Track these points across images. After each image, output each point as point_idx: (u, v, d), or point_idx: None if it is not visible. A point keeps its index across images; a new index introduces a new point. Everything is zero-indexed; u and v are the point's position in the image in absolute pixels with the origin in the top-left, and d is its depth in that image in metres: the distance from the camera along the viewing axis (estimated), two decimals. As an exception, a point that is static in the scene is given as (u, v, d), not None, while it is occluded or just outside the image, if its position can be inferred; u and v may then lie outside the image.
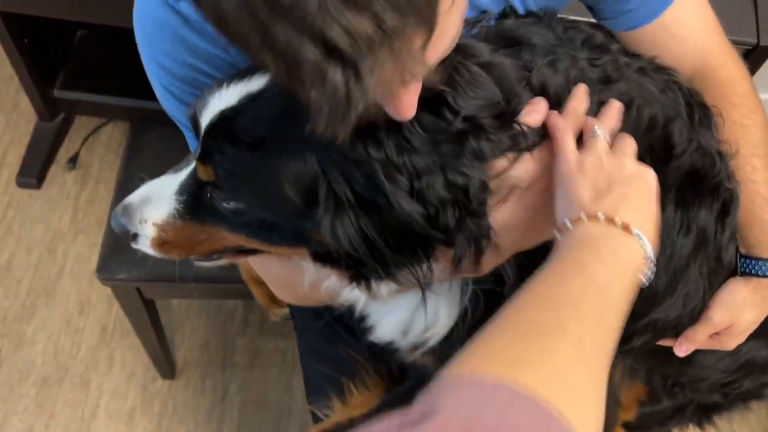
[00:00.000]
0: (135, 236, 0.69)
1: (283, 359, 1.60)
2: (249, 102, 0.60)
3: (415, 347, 0.79)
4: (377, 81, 0.45)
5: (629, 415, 1.29)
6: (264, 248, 0.69)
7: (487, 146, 0.59)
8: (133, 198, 0.69)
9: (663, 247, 0.72)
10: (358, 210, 0.58)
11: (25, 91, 1.74)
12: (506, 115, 0.61)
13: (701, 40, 0.82)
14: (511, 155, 0.61)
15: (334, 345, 0.94)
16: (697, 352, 0.97)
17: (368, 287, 0.66)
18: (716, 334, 0.87)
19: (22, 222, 1.72)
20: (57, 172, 1.82)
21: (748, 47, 1.15)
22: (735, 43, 0.87)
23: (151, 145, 1.21)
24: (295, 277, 0.77)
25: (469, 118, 0.59)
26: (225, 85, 0.61)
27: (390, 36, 0.44)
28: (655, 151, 0.68)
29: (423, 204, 0.57)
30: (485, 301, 0.73)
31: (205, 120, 0.63)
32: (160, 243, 0.69)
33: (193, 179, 0.66)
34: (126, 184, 1.16)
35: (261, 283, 1.03)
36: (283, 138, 0.59)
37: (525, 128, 0.61)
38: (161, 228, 0.68)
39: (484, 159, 0.59)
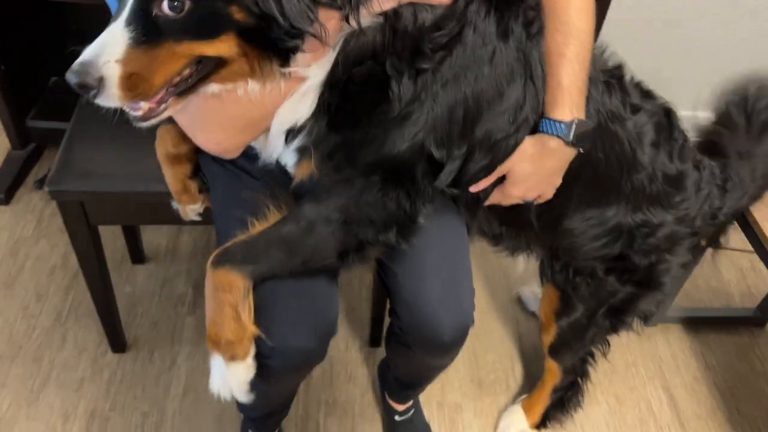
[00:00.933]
0: (98, 83, 0.74)
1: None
2: None
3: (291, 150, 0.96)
4: None
5: (551, 335, 1.40)
6: (205, 48, 0.78)
7: None
8: (87, 51, 0.75)
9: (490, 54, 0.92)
10: None
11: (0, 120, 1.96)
12: None
13: None
14: None
15: (239, 191, 1.08)
16: (565, 219, 1.12)
17: (288, 61, 0.82)
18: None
19: (-12, 231, 1.86)
20: (25, 192, 2.00)
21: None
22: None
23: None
24: (224, 112, 0.91)
25: None
26: None
27: None
28: None
29: None
30: (338, 101, 0.90)
31: None
32: (128, 76, 0.75)
33: (136, 6, 0.75)
34: (70, 145, 1.32)
35: (176, 163, 1.15)
36: None
37: None
38: (124, 62, 0.74)
39: None
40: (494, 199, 1.07)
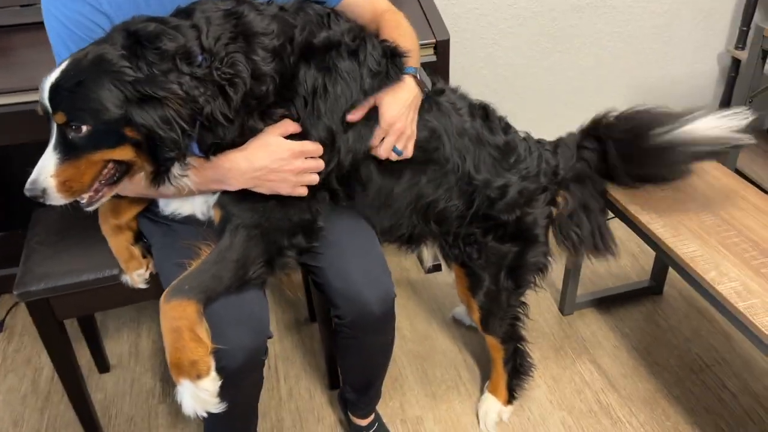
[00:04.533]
0: (44, 193, 1.06)
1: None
2: (62, 73, 1.06)
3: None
4: None
5: (475, 311, 1.64)
6: (110, 154, 1.09)
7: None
8: (33, 174, 1.08)
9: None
10: (145, 105, 1.06)
11: (-46, 277, 2.13)
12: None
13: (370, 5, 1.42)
14: None
15: (174, 240, 1.33)
16: (422, 194, 1.43)
17: (168, 178, 1.13)
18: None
19: (-43, 377, 1.97)
20: (-15, 338, 2.13)
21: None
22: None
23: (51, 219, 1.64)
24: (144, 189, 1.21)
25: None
26: (48, 75, 1.07)
27: None
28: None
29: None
30: None
31: (46, 89, 1.06)
32: (62, 183, 1.07)
33: (57, 136, 1.07)
34: (30, 255, 1.54)
35: (119, 233, 1.39)
36: (93, 78, 1.04)
37: None
38: (56, 174, 1.07)
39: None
40: (374, 142, 1.32)
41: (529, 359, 1.76)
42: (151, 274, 1.43)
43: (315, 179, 1.26)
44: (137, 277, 1.41)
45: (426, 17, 1.83)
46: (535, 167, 1.51)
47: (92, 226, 1.57)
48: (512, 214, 1.49)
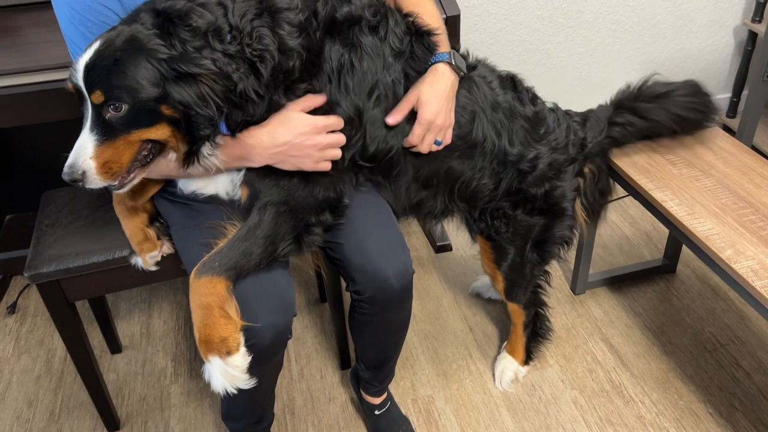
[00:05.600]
0: (83, 176, 1.05)
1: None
2: (96, 53, 1.05)
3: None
4: None
5: (500, 282, 1.64)
6: (148, 134, 1.07)
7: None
8: (69, 158, 1.06)
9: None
10: (181, 82, 1.05)
11: (-35, 259, 2.13)
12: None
13: None
14: None
15: (195, 220, 1.32)
16: (455, 170, 1.41)
17: (198, 157, 1.12)
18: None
19: (-29, 358, 1.99)
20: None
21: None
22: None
23: (62, 200, 1.63)
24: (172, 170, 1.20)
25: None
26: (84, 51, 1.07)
27: None
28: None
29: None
30: None
31: (80, 70, 1.05)
32: (102, 165, 1.06)
33: (93, 116, 1.06)
34: (40, 237, 1.54)
35: (134, 214, 1.38)
36: (128, 57, 1.04)
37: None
38: (95, 156, 1.06)
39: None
40: (414, 140, 1.31)
41: (547, 323, 1.79)
42: (162, 256, 1.42)
43: (338, 154, 1.24)
44: (150, 259, 1.41)
45: (436, -8, 1.80)
46: (564, 138, 1.50)
47: (102, 207, 1.58)
48: (542, 187, 1.48)
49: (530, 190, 1.47)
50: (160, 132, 1.09)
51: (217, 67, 1.06)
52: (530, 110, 1.47)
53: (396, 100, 1.30)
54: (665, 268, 2.14)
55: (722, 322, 1.96)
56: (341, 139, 1.24)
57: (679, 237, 1.54)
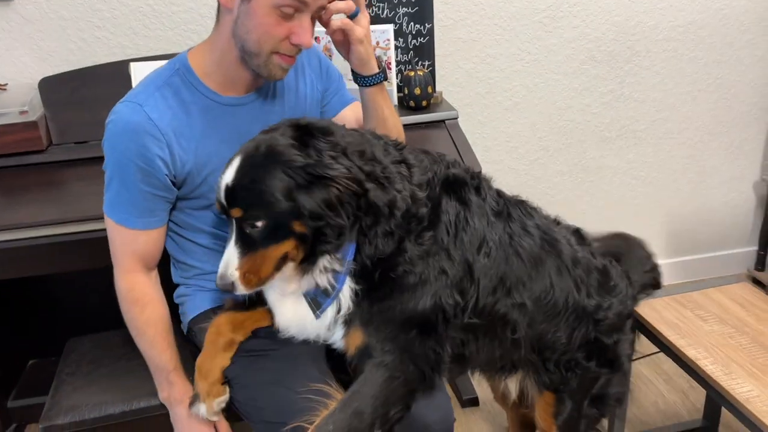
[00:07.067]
0: (233, 285, 1.12)
1: None
2: (237, 171, 1.11)
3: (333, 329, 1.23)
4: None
5: None
6: (280, 249, 1.11)
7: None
8: (220, 269, 1.14)
9: None
10: (312, 187, 1.07)
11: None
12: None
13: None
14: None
15: (292, 375, 1.26)
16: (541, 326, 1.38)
17: (314, 265, 1.13)
18: None
19: None
20: (7, 470, 2.06)
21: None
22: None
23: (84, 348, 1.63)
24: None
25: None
26: (223, 170, 1.14)
27: None
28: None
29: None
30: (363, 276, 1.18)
31: (222, 189, 1.12)
32: (244, 275, 1.12)
33: (237, 232, 1.12)
34: (59, 386, 1.52)
35: (228, 350, 1.31)
36: (265, 171, 1.09)
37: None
38: (239, 267, 1.12)
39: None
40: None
41: None
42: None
43: None
44: (217, 405, 1.30)
45: (459, 153, 1.88)
46: (625, 290, 1.50)
47: (125, 355, 1.57)
48: (612, 337, 1.45)
49: (604, 339, 1.44)
50: (288, 246, 1.12)
51: (350, 173, 1.09)
52: (600, 263, 1.47)
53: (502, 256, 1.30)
54: (705, 430, 2.01)
55: (774, 493, 1.80)
56: None
57: (717, 399, 1.47)
